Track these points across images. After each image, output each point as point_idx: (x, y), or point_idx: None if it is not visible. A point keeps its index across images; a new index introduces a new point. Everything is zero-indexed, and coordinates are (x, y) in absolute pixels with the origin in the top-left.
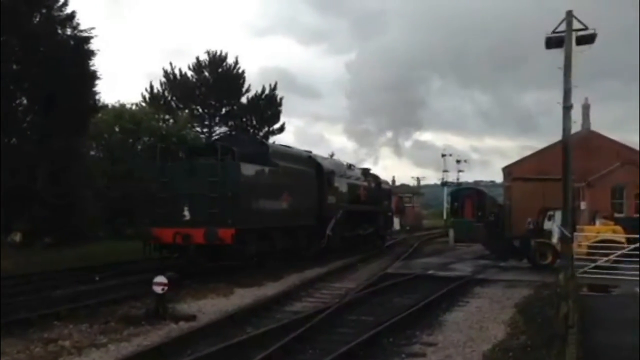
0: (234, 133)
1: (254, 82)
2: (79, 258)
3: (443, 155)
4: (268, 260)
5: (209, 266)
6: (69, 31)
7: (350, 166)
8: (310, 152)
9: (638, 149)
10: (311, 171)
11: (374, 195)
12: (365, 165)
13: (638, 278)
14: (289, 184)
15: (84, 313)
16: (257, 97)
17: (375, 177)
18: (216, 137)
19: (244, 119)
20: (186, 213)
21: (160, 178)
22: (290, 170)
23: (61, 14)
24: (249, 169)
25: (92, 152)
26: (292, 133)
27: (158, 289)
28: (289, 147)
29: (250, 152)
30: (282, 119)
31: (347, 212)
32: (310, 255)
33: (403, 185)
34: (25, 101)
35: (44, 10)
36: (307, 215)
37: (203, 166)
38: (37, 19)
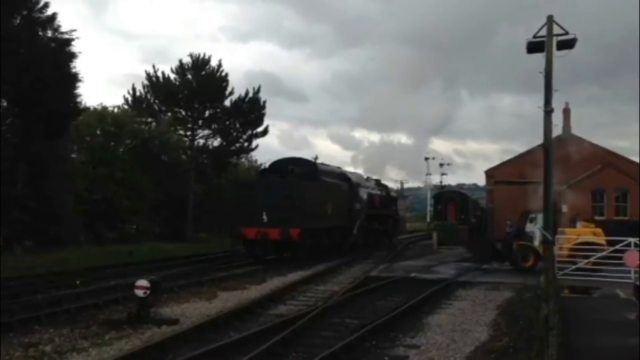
0: (292, 157)
1: (239, 86)
2: (59, 262)
3: (426, 159)
4: (317, 252)
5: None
6: (49, 33)
7: (367, 178)
8: (340, 167)
9: (617, 152)
10: (344, 184)
11: (385, 201)
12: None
13: (618, 280)
14: (331, 195)
15: (64, 317)
16: (240, 100)
17: (385, 187)
18: (276, 160)
19: (228, 122)
20: (264, 217)
21: (245, 192)
22: (331, 185)
23: (41, 16)
24: (307, 185)
25: (74, 155)
26: (277, 137)
27: (140, 293)
28: (328, 165)
29: (304, 171)
30: (267, 121)
31: (367, 215)
32: (344, 249)
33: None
34: (5, 103)
35: (24, 12)
36: (341, 218)
37: (276, 183)
38: (17, 21)
